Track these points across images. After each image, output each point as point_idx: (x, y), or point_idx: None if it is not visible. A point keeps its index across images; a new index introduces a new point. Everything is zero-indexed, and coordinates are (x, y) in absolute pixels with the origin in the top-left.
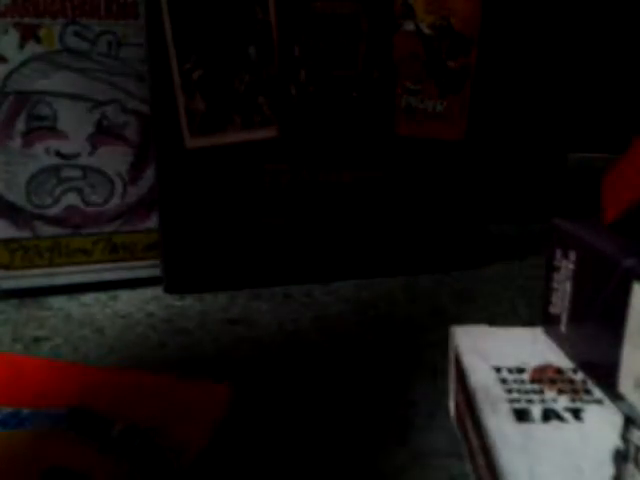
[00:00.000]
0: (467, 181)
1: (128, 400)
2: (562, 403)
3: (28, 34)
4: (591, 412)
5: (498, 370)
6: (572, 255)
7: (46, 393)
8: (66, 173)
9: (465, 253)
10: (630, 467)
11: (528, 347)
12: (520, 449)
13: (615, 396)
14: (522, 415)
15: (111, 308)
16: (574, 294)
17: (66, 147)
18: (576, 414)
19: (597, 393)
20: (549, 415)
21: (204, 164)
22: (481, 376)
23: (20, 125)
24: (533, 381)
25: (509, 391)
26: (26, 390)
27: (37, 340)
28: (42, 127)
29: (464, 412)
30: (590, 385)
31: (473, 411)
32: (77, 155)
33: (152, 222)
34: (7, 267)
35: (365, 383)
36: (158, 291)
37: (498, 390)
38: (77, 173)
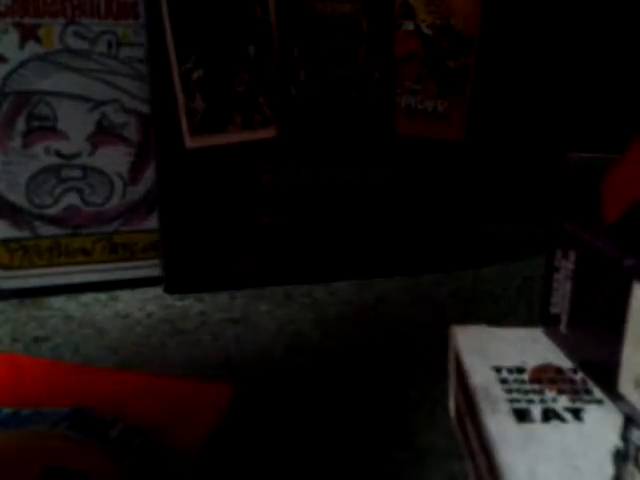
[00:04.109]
0: (467, 181)
1: (128, 400)
2: (562, 403)
3: (28, 34)
4: (591, 412)
5: (498, 370)
6: (572, 255)
7: (46, 393)
8: (66, 173)
9: (465, 253)
10: (630, 467)
11: (528, 347)
12: (520, 449)
13: (615, 396)
14: (522, 415)
15: (111, 308)
16: (574, 294)
17: (66, 147)
18: (576, 414)
19: (597, 393)
20: (549, 415)
21: (204, 164)
22: (481, 376)
23: (20, 125)
24: (533, 381)
25: (509, 391)
26: (26, 390)
27: (37, 340)
28: (42, 127)
29: (464, 412)
30: (590, 385)
31: (473, 411)
32: (77, 155)
33: (152, 222)
34: (7, 267)
35: (365, 383)
36: (158, 291)
37: (498, 390)
38: (77, 173)
